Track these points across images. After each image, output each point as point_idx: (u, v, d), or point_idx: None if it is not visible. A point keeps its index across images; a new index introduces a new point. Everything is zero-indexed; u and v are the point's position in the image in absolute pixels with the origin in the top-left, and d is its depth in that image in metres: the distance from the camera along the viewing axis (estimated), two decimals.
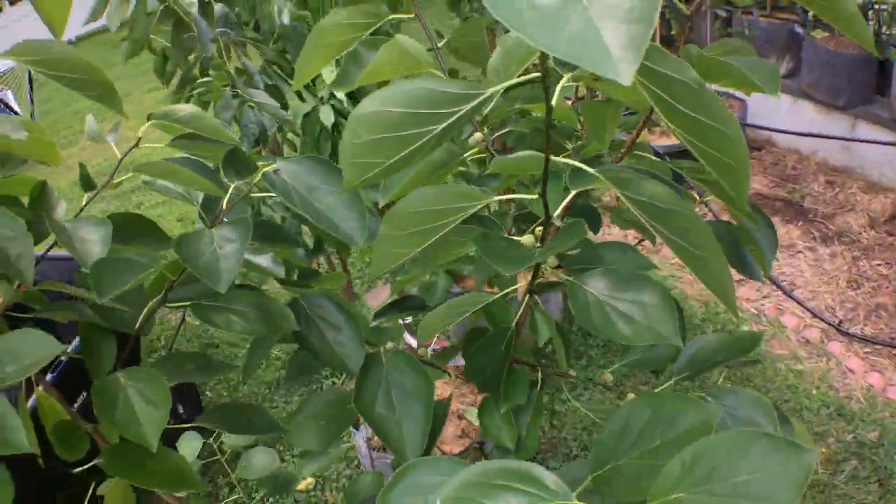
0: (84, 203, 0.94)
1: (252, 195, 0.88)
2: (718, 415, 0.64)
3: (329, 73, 1.54)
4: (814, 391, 2.78)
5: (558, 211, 0.78)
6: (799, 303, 3.08)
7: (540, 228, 0.80)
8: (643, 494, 0.59)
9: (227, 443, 1.37)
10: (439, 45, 1.08)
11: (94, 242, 0.79)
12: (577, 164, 0.69)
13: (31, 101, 7.81)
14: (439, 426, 0.92)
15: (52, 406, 0.97)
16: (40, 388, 0.97)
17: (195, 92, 1.59)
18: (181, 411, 2.97)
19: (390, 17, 0.99)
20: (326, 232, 0.70)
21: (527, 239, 0.77)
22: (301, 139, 1.75)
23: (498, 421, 0.92)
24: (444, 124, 0.61)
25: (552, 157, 0.73)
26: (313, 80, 1.73)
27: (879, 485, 2.41)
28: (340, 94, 1.54)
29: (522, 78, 0.68)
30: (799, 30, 4.18)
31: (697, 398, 0.66)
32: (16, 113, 7.44)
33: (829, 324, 2.99)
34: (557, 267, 0.85)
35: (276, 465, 1.36)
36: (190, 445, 1.41)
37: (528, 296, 0.92)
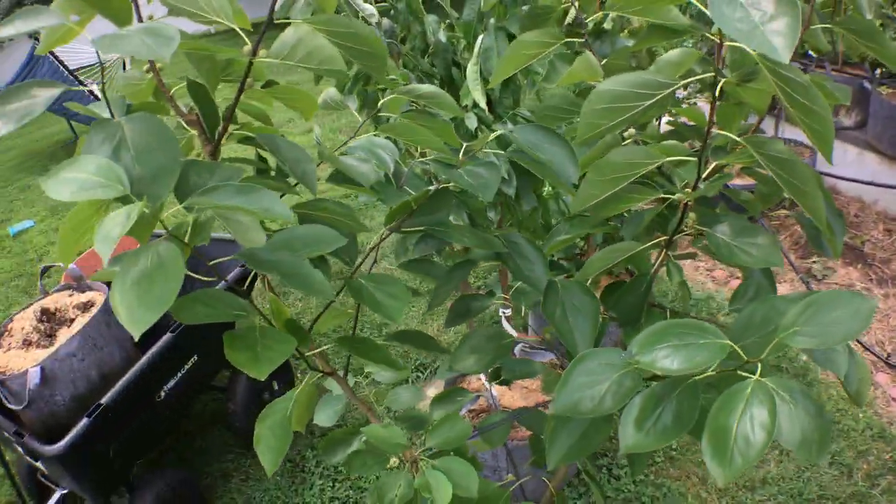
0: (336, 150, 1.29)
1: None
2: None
3: (476, 92, 1.90)
4: (860, 415, 3.16)
5: (705, 174, 1.13)
6: None
7: (689, 189, 1.14)
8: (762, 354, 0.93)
9: (379, 379, 1.72)
10: None
11: (368, 171, 1.15)
12: (727, 133, 1.04)
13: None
14: (601, 338, 1.25)
15: (279, 308, 1.23)
16: (271, 293, 1.29)
17: (378, 89, 1.96)
18: (276, 388, 3.32)
19: (566, 39, 1.35)
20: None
21: (684, 194, 1.12)
22: None
23: None
24: (649, 102, 0.97)
25: (685, 145, 1.09)
26: (457, 92, 2.10)
27: None
28: (483, 104, 1.90)
29: (699, 77, 1.03)
30: (867, 85, 4.52)
31: (800, 300, 1.00)
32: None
33: (878, 357, 3.30)
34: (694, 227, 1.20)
35: (420, 401, 1.70)
36: (333, 386, 1.74)
37: (664, 250, 1.26)
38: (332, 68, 0.96)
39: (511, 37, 1.98)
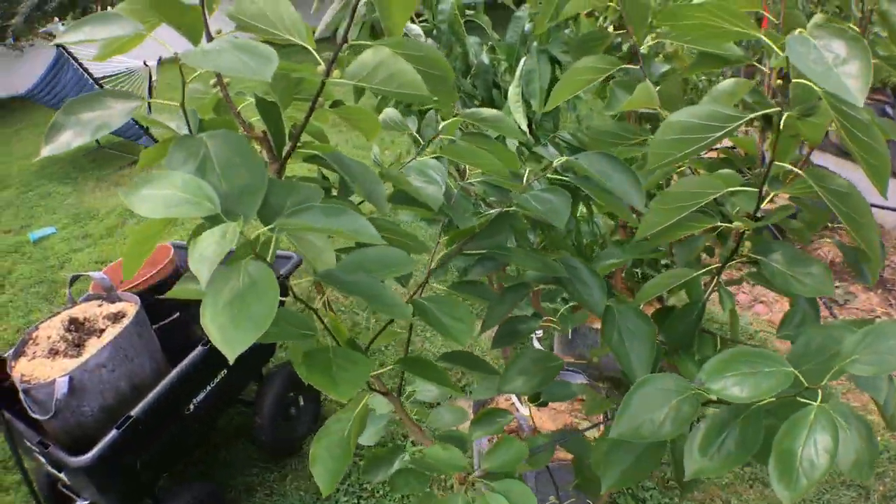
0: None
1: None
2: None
3: (518, 114, 1.94)
4: (878, 438, 3.22)
5: (764, 205, 1.15)
6: None
7: (744, 218, 1.17)
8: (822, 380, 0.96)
9: (420, 398, 1.74)
10: None
11: (436, 193, 1.17)
12: (789, 166, 1.07)
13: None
14: (658, 360, 1.27)
15: (338, 326, 1.23)
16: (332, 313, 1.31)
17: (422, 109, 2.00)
18: (302, 403, 3.35)
19: (620, 66, 1.38)
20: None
21: (744, 222, 1.14)
22: None
23: (692, 367, 1.28)
24: (718, 134, 1.00)
25: (738, 174, 1.12)
26: None
27: None
28: (524, 127, 1.93)
29: (766, 111, 1.05)
30: (889, 110, 4.54)
31: (852, 328, 1.03)
32: None
33: None
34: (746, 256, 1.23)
35: (463, 421, 1.71)
36: (379, 402, 1.76)
37: (715, 278, 1.29)
38: (414, 93, 0.96)
39: (553, 60, 2.01)
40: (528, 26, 2.06)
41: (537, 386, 1.46)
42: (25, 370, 2.68)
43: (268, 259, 0.94)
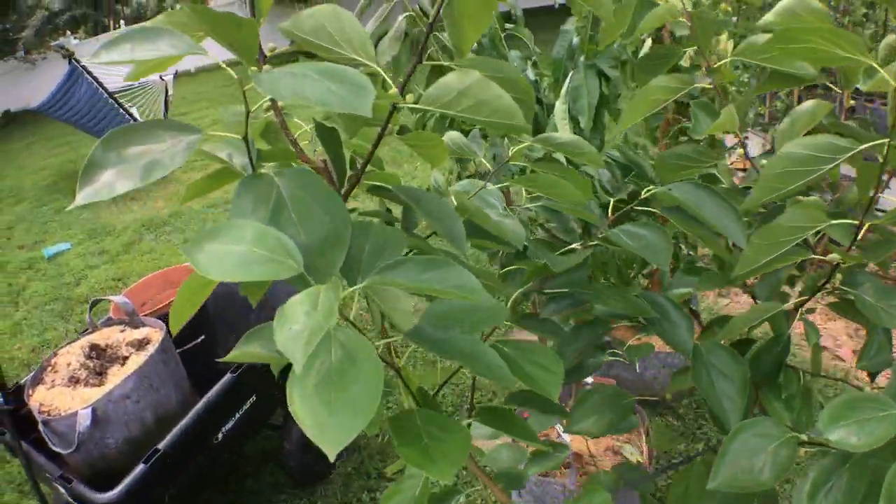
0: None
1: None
2: None
3: (565, 131, 1.88)
4: None
5: (861, 235, 1.10)
6: None
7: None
8: None
9: (475, 434, 1.67)
10: None
11: (519, 229, 1.10)
12: (889, 199, 1.02)
13: (165, 116, 8.03)
14: (752, 399, 1.21)
15: (409, 376, 1.14)
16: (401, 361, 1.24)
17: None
18: None
19: (693, 85, 1.32)
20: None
21: (842, 255, 1.09)
22: None
23: (778, 405, 1.22)
24: (828, 166, 0.94)
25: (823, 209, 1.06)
26: (541, 131, 2.08)
27: None
28: None
29: (876, 142, 0.99)
30: None
31: None
32: None
33: None
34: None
35: (522, 460, 1.65)
36: None
37: (798, 310, 1.23)
38: (507, 122, 0.87)
39: (602, 75, 1.95)
40: (575, 40, 2.00)
41: (609, 426, 1.40)
42: (44, 399, 2.59)
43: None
